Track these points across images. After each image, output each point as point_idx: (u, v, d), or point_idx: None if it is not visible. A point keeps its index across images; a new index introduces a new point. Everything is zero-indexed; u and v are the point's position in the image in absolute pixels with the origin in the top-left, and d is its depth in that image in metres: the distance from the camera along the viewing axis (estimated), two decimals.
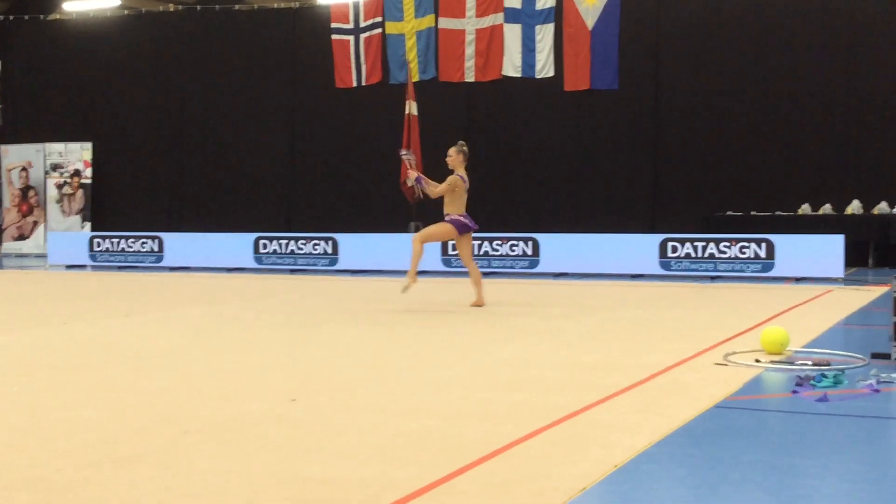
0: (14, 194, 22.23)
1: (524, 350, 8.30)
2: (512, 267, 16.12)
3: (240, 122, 20.29)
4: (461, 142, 11.50)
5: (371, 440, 5.10)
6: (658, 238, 15.73)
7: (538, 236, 16.26)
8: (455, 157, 11.30)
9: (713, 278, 15.14)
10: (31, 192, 22.13)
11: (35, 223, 22.13)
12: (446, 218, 11.31)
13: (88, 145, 21.59)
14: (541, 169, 18.34)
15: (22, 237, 22.23)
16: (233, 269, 17.76)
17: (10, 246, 22.30)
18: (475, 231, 11.52)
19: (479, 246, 16.31)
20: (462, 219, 11.24)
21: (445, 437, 5.18)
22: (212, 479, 4.43)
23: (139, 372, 7.28)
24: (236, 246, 18.06)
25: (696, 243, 15.36)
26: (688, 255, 15.33)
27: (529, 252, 16.11)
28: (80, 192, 21.70)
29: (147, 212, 20.86)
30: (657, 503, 4.21)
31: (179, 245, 18.53)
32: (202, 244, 18.42)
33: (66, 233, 20.70)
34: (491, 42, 18.15)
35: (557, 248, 16.07)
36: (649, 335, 9.08)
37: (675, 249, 15.41)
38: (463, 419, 5.59)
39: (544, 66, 18.06)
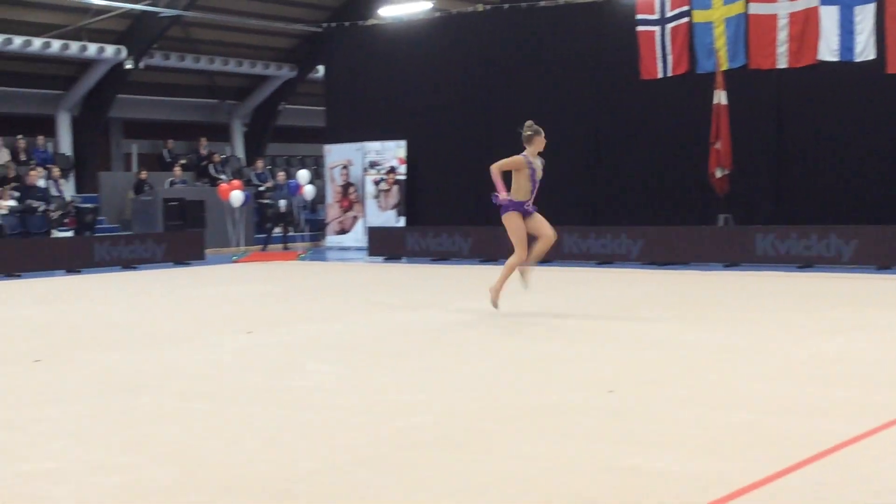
0: (336, 191, 23.66)
1: (849, 344, 7.91)
2: (835, 261, 15.30)
3: (543, 117, 20.42)
4: (530, 123, 10.73)
5: (693, 433, 5.05)
6: None
7: (861, 228, 15.36)
8: (524, 140, 10.68)
9: None
10: (352, 189, 23.46)
11: (355, 218, 23.45)
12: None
13: (403, 143, 22.59)
14: (860, 157, 17.32)
15: (343, 231, 23.63)
16: (539, 262, 17.99)
17: (333, 239, 23.75)
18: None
19: (798, 238, 15.58)
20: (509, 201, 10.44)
21: (770, 432, 5.04)
22: (536, 464, 4.55)
23: (459, 359, 7.57)
24: None
25: None
26: None
27: (852, 245, 15.21)
28: (395, 188, 22.76)
29: (457, 206, 21.52)
30: None
31: (487, 238, 18.99)
32: (508, 237, 18.77)
33: (383, 227, 21.75)
34: (806, 26, 17.33)
35: (882, 240, 15.09)
36: None
37: None
38: (787, 415, 5.42)
39: (864, 49, 17.03)
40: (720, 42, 17.89)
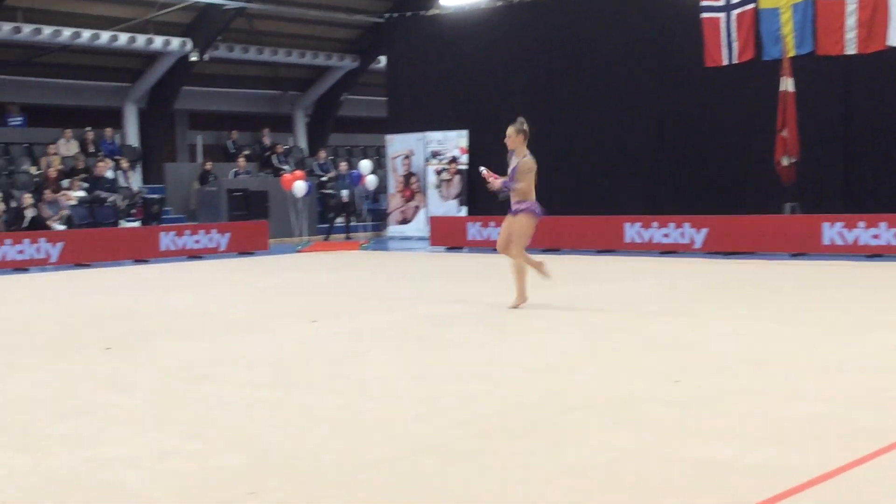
0: (398, 181, 23.73)
1: None
2: None
3: (606, 106, 20.37)
4: (521, 119, 10.06)
5: (760, 424, 5.00)
6: None
7: None
8: (515, 137, 9.88)
9: None
10: (413, 179, 23.51)
11: (417, 208, 23.50)
12: (522, 206, 9.99)
13: (464, 133, 22.60)
14: None
15: (405, 221, 23.70)
16: (600, 251, 17.93)
17: (395, 229, 23.85)
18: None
19: (867, 227, 15.25)
20: (538, 205, 10.03)
21: (837, 423, 4.97)
22: (601, 454, 4.54)
23: (520, 350, 7.57)
24: (602, 228, 18.18)
25: None
26: None
27: None
28: (456, 178, 22.77)
29: None
30: None
31: (549, 228, 18.90)
32: (569, 227, 18.71)
33: (445, 217, 21.78)
34: (875, 11, 16.96)
35: None
36: None
37: None
38: (856, 406, 5.34)
39: None
40: (787, 28, 17.61)
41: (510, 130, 9.93)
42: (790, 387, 5.90)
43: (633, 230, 17.74)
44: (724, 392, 5.80)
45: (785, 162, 16.52)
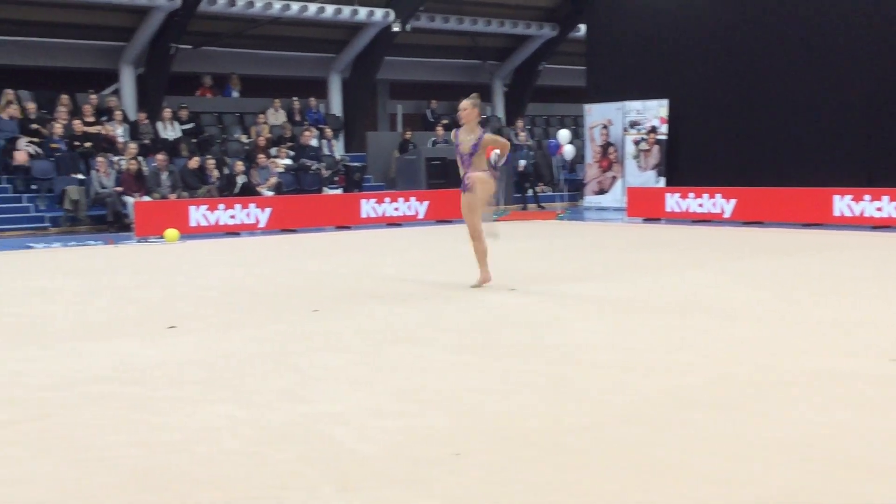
0: (595, 151, 23.51)
1: None
2: None
3: (814, 73, 19.50)
4: (475, 94, 9.63)
5: None
6: None
7: None
8: (471, 110, 9.49)
9: None
10: (611, 149, 23.23)
11: (614, 178, 23.23)
12: (485, 175, 9.76)
13: (665, 102, 22.13)
14: None
15: (602, 191, 23.48)
16: (806, 224, 17.26)
17: (591, 199, 23.67)
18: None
19: None
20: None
21: None
22: (815, 430, 4.38)
23: (724, 320, 7.39)
24: (810, 201, 17.48)
25: None
26: None
27: None
28: (655, 148, 22.36)
29: (719, 166, 20.89)
30: None
31: (751, 199, 18.36)
32: (775, 199, 18.07)
33: (643, 187, 21.43)
34: None
35: None
36: None
37: None
38: None
39: None
40: None
41: (467, 104, 9.57)
42: None
43: (842, 203, 17.00)
44: None
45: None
